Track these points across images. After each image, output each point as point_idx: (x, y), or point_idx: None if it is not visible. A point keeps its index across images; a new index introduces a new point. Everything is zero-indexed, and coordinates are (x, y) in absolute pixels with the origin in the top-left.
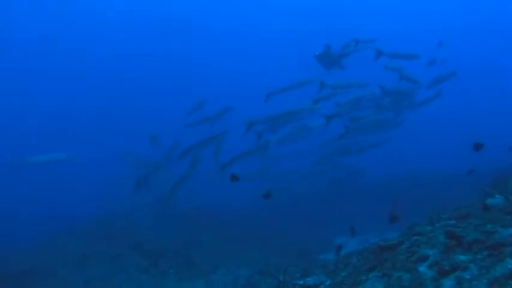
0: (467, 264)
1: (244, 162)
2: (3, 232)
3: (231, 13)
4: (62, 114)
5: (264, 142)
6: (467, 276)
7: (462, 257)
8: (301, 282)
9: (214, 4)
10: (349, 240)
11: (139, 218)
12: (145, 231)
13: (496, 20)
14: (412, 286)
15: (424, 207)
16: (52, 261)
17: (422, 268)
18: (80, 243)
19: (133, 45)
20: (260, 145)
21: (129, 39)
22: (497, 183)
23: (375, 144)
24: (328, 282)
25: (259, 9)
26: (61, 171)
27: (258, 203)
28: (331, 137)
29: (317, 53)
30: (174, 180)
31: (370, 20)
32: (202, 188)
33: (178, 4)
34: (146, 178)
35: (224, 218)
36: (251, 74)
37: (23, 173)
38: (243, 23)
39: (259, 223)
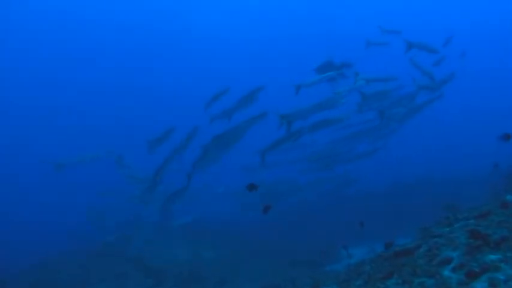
0: (498, 264)
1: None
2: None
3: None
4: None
5: (297, 130)
6: (502, 277)
7: (492, 257)
8: None
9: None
10: (355, 250)
11: (140, 231)
12: (147, 246)
13: (503, 21)
14: None
15: (432, 210)
16: (55, 279)
17: (446, 272)
18: (82, 261)
19: (133, 47)
20: (291, 133)
21: (130, 49)
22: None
23: (368, 153)
24: None
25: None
26: (57, 179)
27: (258, 215)
28: (323, 146)
29: (316, 66)
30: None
31: (370, 22)
32: (202, 200)
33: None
34: (150, 190)
35: (227, 231)
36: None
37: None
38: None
39: (263, 235)
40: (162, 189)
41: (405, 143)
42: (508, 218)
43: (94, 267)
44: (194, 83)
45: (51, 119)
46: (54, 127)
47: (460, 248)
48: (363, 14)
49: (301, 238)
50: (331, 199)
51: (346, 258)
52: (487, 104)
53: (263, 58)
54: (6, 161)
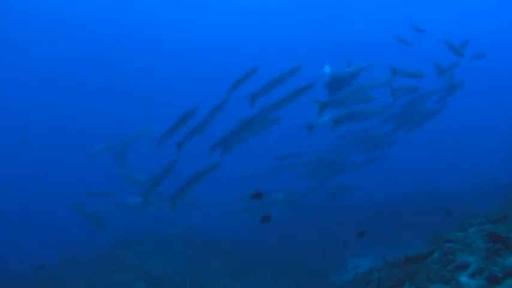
0: None
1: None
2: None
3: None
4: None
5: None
6: None
7: None
8: None
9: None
10: (361, 261)
11: (141, 237)
12: (149, 253)
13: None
14: None
15: (440, 219)
16: (55, 281)
17: (463, 278)
18: (82, 267)
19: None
20: (326, 119)
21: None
22: None
23: (367, 162)
24: None
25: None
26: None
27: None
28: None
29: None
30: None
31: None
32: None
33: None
34: (150, 190)
35: (230, 239)
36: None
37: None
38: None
39: (265, 243)
40: (160, 191)
41: (411, 148)
42: None
43: (94, 274)
44: (194, 84)
45: (51, 119)
46: (54, 127)
47: (477, 253)
48: (372, 15)
49: (304, 247)
50: (334, 206)
51: (353, 269)
52: (498, 108)
53: (264, 59)
54: (6, 161)
